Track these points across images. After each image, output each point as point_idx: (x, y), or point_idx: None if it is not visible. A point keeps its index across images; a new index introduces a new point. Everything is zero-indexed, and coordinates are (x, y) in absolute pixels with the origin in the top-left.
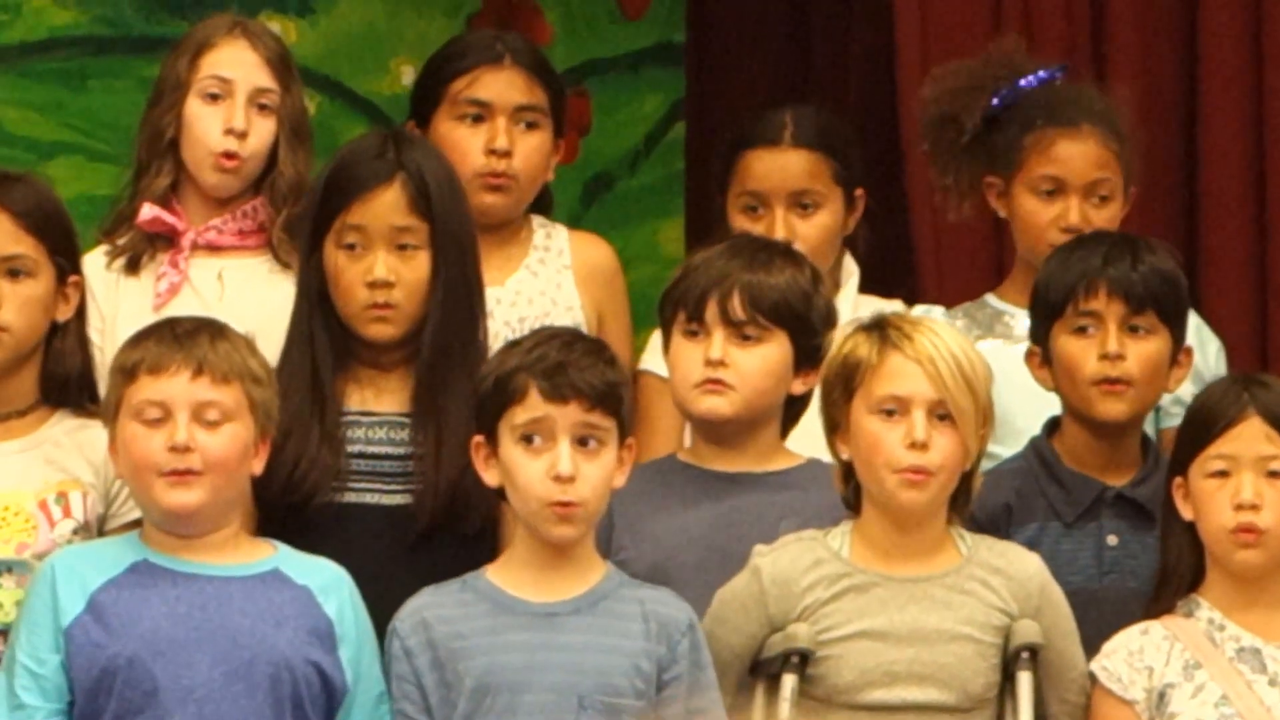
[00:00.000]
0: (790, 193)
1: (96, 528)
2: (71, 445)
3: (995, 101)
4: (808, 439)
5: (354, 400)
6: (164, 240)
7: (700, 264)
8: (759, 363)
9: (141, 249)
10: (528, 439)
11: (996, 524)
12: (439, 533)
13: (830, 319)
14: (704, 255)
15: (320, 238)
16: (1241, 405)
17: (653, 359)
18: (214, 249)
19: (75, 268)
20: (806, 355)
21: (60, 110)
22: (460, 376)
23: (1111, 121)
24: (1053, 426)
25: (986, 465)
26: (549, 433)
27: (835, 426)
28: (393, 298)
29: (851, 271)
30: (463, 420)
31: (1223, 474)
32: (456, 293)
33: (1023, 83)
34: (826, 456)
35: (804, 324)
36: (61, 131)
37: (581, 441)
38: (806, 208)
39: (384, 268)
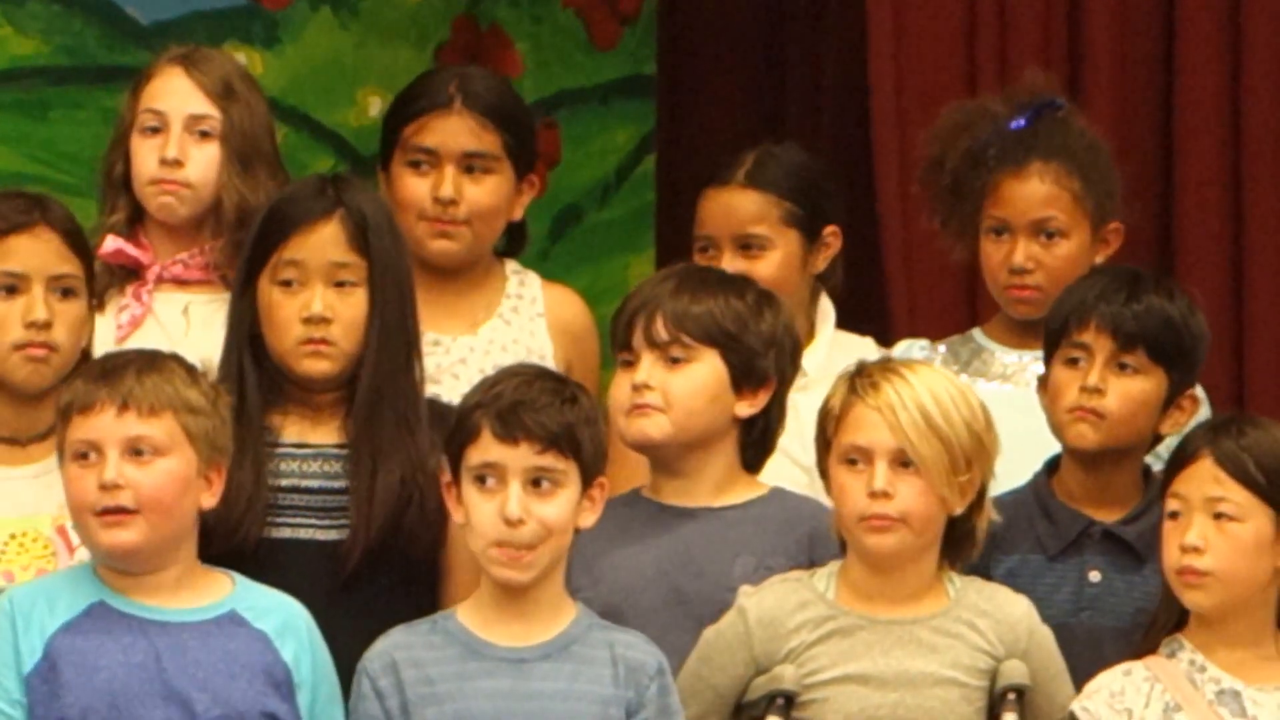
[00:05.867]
0: (734, 235)
1: None
2: None
3: (971, 143)
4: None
5: (291, 433)
6: (133, 275)
7: (634, 291)
8: (686, 383)
9: (106, 283)
10: (481, 479)
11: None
12: (375, 570)
13: (776, 339)
14: (641, 283)
15: (255, 274)
16: (1196, 446)
17: None
18: (180, 283)
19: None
20: (746, 375)
21: (23, 141)
22: (394, 416)
23: (1072, 157)
24: (1054, 465)
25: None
26: (501, 474)
27: (824, 475)
28: (330, 334)
29: (828, 312)
30: (398, 458)
31: (1176, 515)
32: (393, 332)
33: (1012, 124)
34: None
35: (736, 341)
36: (24, 163)
37: (535, 482)
38: (751, 249)
39: (321, 303)
